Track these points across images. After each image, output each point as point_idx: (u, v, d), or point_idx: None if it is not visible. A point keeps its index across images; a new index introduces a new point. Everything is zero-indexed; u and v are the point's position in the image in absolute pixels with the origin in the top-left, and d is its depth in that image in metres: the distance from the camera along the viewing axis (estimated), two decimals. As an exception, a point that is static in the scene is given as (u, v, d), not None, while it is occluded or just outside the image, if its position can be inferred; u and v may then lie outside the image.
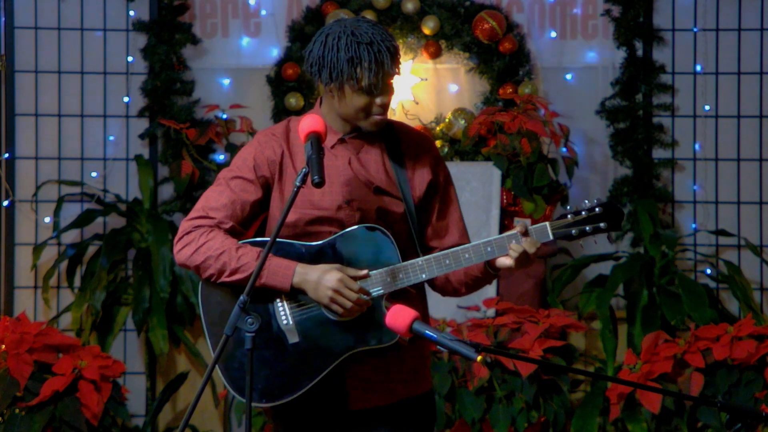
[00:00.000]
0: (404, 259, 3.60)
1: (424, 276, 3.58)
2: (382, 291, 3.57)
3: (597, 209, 3.57)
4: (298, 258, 3.56)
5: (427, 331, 3.26)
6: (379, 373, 3.63)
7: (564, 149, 6.57)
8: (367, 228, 3.59)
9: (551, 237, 3.56)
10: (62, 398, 5.89)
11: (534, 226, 3.57)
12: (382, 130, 3.68)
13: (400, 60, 3.60)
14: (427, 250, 3.69)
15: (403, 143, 3.70)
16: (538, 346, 5.88)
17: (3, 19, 6.76)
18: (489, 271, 3.64)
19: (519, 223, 3.57)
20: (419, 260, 3.58)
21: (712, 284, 6.63)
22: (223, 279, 3.57)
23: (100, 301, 6.41)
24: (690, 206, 6.82)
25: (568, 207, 3.60)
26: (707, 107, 6.79)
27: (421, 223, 3.69)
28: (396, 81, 3.63)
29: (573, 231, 3.57)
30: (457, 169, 6.57)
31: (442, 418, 5.90)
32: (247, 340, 3.40)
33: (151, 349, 6.56)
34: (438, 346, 3.25)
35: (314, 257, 3.57)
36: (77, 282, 6.60)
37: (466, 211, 3.65)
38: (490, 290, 6.37)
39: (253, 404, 3.59)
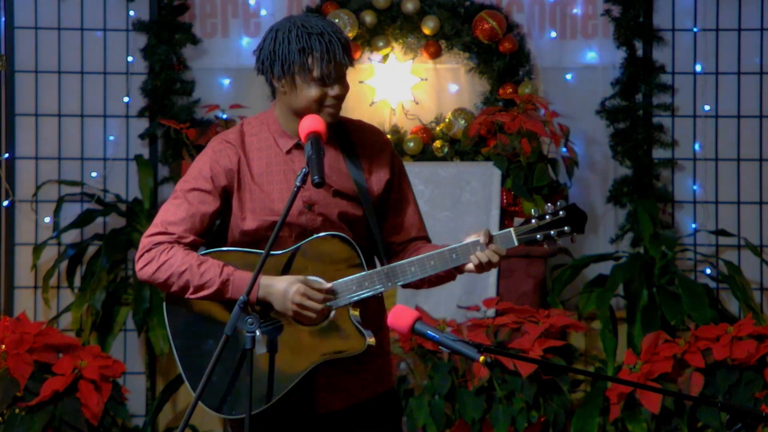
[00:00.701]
0: (367, 262, 3.60)
1: (390, 285, 3.58)
2: (347, 300, 3.56)
3: (561, 212, 3.58)
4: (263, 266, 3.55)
5: (429, 332, 3.26)
6: (345, 375, 3.63)
7: (564, 149, 6.57)
8: (331, 236, 3.57)
9: (516, 243, 3.58)
10: (62, 398, 5.89)
11: (499, 232, 3.58)
12: (336, 131, 3.67)
13: (352, 53, 3.60)
14: (386, 245, 3.70)
15: (357, 143, 3.68)
16: (538, 346, 5.88)
17: (3, 19, 6.76)
18: (453, 272, 3.65)
19: (482, 231, 3.57)
20: (385, 268, 3.58)
21: (712, 284, 6.63)
22: (188, 296, 3.56)
23: (100, 301, 6.41)
24: (690, 206, 6.82)
25: (533, 211, 3.59)
26: (707, 107, 6.79)
27: (379, 219, 3.69)
28: (349, 74, 3.64)
29: (538, 236, 3.58)
30: (457, 169, 6.57)
31: (442, 418, 5.90)
32: (247, 340, 3.41)
33: (151, 349, 6.56)
34: (440, 347, 3.25)
35: (279, 267, 3.56)
36: (77, 282, 6.60)
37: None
38: (490, 290, 6.37)
39: (225, 416, 3.60)
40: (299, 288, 3.50)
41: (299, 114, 3.60)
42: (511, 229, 3.58)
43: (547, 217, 3.58)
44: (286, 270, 3.56)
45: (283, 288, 3.50)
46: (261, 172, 3.62)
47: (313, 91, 3.55)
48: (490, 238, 3.55)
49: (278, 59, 3.56)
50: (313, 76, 3.54)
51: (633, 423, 5.86)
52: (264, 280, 3.51)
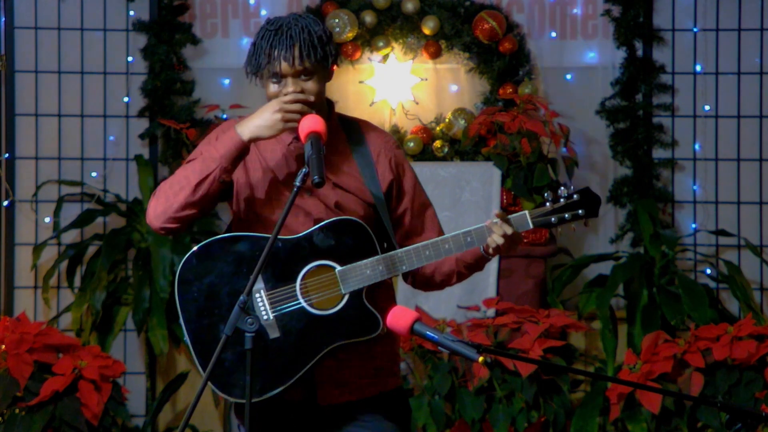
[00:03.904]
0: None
1: (404, 268, 3.58)
2: (361, 284, 3.56)
3: (575, 196, 3.58)
4: (275, 252, 3.54)
5: (428, 332, 3.26)
6: (349, 369, 3.62)
7: (564, 149, 6.57)
8: (345, 221, 3.58)
9: (531, 225, 3.57)
10: (62, 398, 5.89)
11: (513, 215, 3.58)
12: (349, 130, 3.68)
13: (314, 50, 3.54)
14: (396, 245, 3.69)
15: (368, 142, 3.69)
16: (538, 346, 5.88)
17: (3, 19, 6.76)
18: (483, 256, 3.63)
19: (496, 211, 3.56)
20: (399, 252, 3.58)
21: (712, 284, 6.63)
22: (196, 196, 3.56)
23: (100, 301, 6.41)
24: (690, 206, 6.82)
25: (546, 194, 3.59)
26: (707, 107, 6.79)
27: (395, 223, 3.69)
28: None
29: (553, 219, 3.58)
30: (457, 169, 6.57)
31: (442, 418, 5.90)
32: (247, 340, 3.40)
33: (151, 349, 6.56)
34: (439, 347, 3.25)
35: (291, 250, 3.55)
36: (77, 282, 6.60)
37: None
38: (490, 290, 6.37)
39: (235, 400, 3.58)
40: (272, 102, 3.53)
41: None
42: (526, 212, 3.58)
43: (561, 200, 3.58)
44: (297, 255, 3.56)
45: (257, 111, 3.53)
46: (265, 149, 3.65)
47: (269, 88, 3.60)
48: (504, 214, 3.54)
49: (248, 58, 3.61)
50: (268, 73, 3.57)
51: (633, 423, 5.86)
52: (237, 124, 3.55)
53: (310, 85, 3.57)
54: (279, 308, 3.56)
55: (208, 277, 3.59)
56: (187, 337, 3.60)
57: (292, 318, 3.56)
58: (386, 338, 3.63)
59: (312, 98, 3.58)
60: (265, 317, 3.55)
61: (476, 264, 3.68)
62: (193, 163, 3.58)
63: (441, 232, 3.74)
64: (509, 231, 3.54)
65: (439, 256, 3.58)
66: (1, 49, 6.76)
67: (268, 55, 3.54)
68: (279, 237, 3.53)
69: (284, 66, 3.55)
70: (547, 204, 3.58)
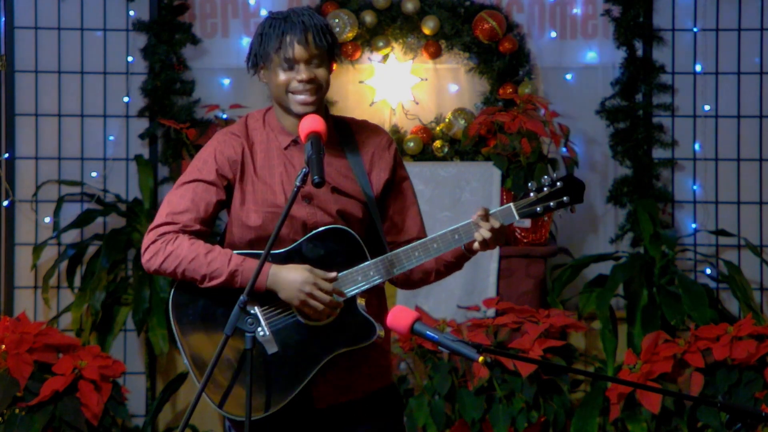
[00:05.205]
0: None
1: (395, 271, 3.58)
2: (355, 291, 3.56)
3: (559, 183, 3.58)
4: None
5: (428, 332, 3.26)
6: (345, 371, 3.62)
7: (564, 149, 6.57)
8: (332, 229, 3.57)
9: (517, 218, 3.57)
10: (62, 398, 5.89)
11: (498, 208, 3.57)
12: (340, 130, 3.68)
13: (324, 37, 3.56)
14: (387, 245, 3.68)
15: (360, 143, 3.69)
16: (538, 346, 5.88)
17: (3, 19, 6.76)
18: (464, 254, 3.63)
19: (480, 208, 3.56)
20: (388, 255, 3.57)
21: (712, 284, 6.63)
22: (198, 285, 3.56)
23: (100, 301, 6.41)
24: (690, 206, 6.82)
25: (530, 184, 3.59)
26: (707, 107, 6.79)
27: (383, 219, 3.68)
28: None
29: (538, 208, 3.58)
30: (457, 169, 6.57)
31: (442, 418, 5.90)
32: (247, 340, 3.41)
33: (151, 349, 6.56)
34: (439, 347, 3.25)
35: (282, 263, 3.55)
36: (77, 282, 6.59)
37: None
38: (490, 290, 6.37)
39: (235, 418, 3.56)
40: (308, 277, 3.50)
41: (281, 106, 3.63)
42: (511, 204, 3.57)
43: (545, 189, 3.57)
44: None
45: (291, 277, 3.50)
46: (263, 165, 3.63)
47: (279, 76, 3.57)
48: (487, 212, 3.54)
49: (250, 51, 3.60)
50: (273, 59, 3.55)
51: (633, 423, 5.86)
52: (273, 268, 3.51)
53: (322, 72, 3.58)
54: (275, 323, 3.55)
55: (202, 299, 3.59)
56: (186, 361, 3.60)
57: (289, 331, 3.55)
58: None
59: (324, 85, 3.59)
60: (262, 333, 3.53)
61: (456, 263, 3.68)
62: (211, 259, 3.53)
63: (423, 231, 3.73)
64: (497, 225, 3.54)
65: (428, 256, 3.58)
66: (1, 49, 6.76)
67: (279, 41, 3.53)
68: (271, 252, 3.52)
69: (298, 50, 3.54)
70: (531, 194, 3.58)
